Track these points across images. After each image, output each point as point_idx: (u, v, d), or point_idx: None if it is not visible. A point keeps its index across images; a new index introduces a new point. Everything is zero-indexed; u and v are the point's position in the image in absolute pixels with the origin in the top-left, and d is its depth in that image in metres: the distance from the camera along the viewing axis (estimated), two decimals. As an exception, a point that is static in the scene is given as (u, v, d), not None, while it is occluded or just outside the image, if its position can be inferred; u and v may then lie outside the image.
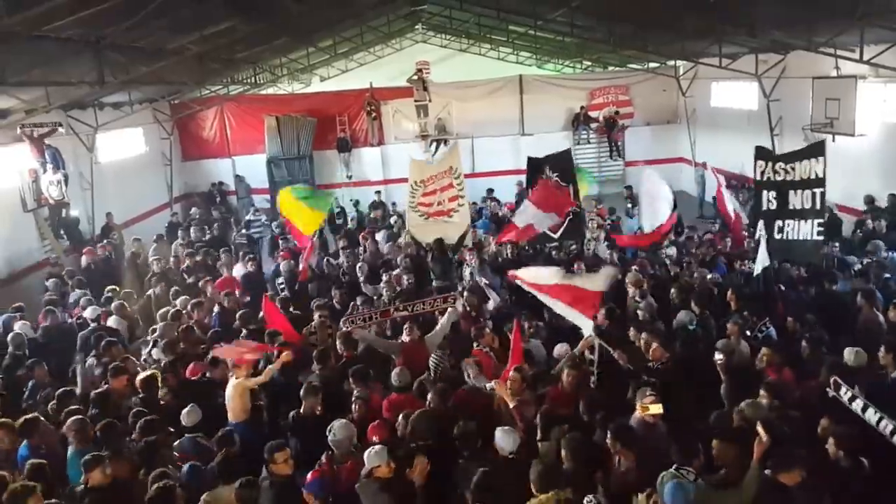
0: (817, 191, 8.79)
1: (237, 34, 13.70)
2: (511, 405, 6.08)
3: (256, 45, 17.08)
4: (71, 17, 8.98)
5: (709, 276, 10.29)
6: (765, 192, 9.38)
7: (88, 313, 10.57)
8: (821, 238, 9.04)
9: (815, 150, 8.88)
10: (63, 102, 13.87)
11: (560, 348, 7.76)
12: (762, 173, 9.36)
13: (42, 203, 14.66)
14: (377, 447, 5.44)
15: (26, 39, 9.33)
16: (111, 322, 10.30)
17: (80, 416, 6.65)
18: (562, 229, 11.19)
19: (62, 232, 15.54)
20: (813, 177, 8.79)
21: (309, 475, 5.57)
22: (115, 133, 18.43)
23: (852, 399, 5.55)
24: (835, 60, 13.61)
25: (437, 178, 11.95)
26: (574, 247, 12.24)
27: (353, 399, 6.73)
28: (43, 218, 15.01)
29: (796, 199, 9.02)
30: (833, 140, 14.25)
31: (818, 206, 8.85)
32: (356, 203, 19.82)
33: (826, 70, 14.44)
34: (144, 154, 21.04)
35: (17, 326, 9.99)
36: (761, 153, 9.51)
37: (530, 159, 11.59)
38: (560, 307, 7.32)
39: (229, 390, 7.14)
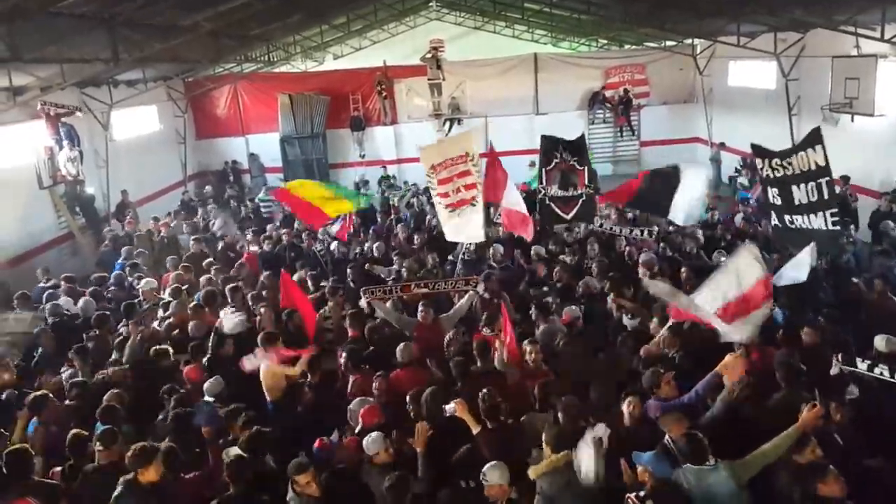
0: (822, 181, 8.11)
1: (251, 10, 13.64)
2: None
3: (270, 23, 17.01)
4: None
5: (723, 259, 10.23)
6: (769, 189, 8.89)
7: (143, 284, 10.58)
8: (837, 227, 8.37)
9: (812, 140, 8.19)
10: (78, 80, 13.90)
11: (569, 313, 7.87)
12: (762, 170, 8.90)
13: (58, 180, 14.75)
14: (374, 434, 5.53)
15: (41, 16, 9.34)
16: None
17: (117, 391, 6.82)
18: (574, 210, 11.08)
19: (77, 209, 15.65)
20: (813, 167, 8.15)
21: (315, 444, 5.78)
22: (129, 111, 18.47)
23: (872, 366, 5.61)
24: (855, 39, 13.39)
25: (450, 165, 10.40)
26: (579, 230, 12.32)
27: (374, 376, 6.85)
28: (59, 195, 15.12)
29: (801, 194, 8.38)
30: (852, 120, 14.12)
31: (826, 195, 8.17)
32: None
33: (846, 49, 14.22)
34: (159, 132, 21.10)
35: (62, 301, 10.12)
36: (758, 151, 8.95)
37: (544, 137, 11.41)
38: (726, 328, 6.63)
39: (264, 372, 7.12)
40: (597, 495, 4.88)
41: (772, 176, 8.71)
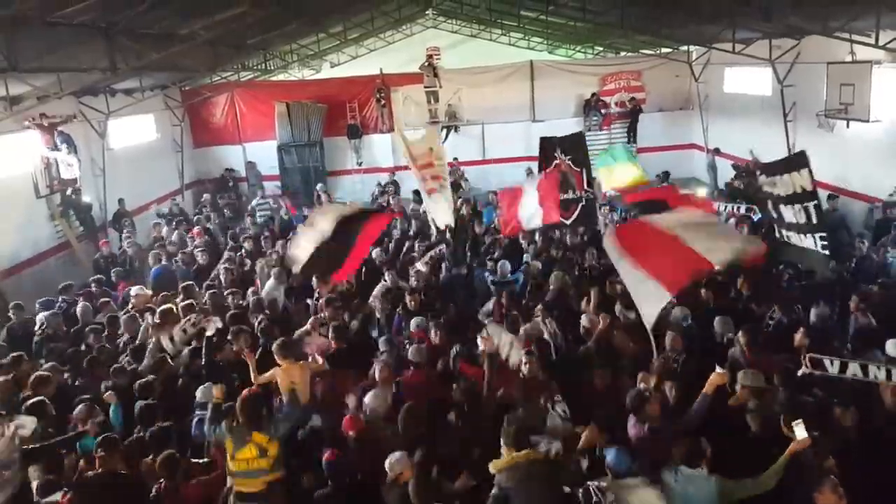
0: (809, 205, 7.80)
1: (248, 19, 13.65)
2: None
3: (267, 31, 17.03)
4: (82, 3, 8.98)
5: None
6: (767, 202, 8.67)
7: (135, 291, 10.70)
8: (826, 252, 8.04)
9: (797, 163, 7.90)
10: (75, 89, 13.90)
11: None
12: (763, 185, 8.61)
13: (55, 189, 14.74)
14: (397, 455, 5.49)
15: (38, 25, 9.36)
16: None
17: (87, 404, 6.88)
18: (574, 215, 10.95)
19: (73, 216, 15.62)
20: (799, 191, 7.86)
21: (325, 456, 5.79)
22: (126, 119, 18.45)
23: (843, 367, 5.62)
24: (850, 45, 13.45)
25: (421, 156, 11.55)
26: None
27: (377, 361, 7.18)
28: (56, 204, 15.09)
29: (789, 214, 8.16)
30: (848, 126, 14.17)
31: (814, 220, 7.85)
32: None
33: (841, 55, 14.28)
34: (156, 140, 21.10)
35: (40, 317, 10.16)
36: (762, 167, 8.58)
37: (543, 139, 11.34)
38: (637, 278, 6.72)
39: (292, 376, 7.13)
40: (553, 491, 5.00)
41: (766, 190, 8.50)
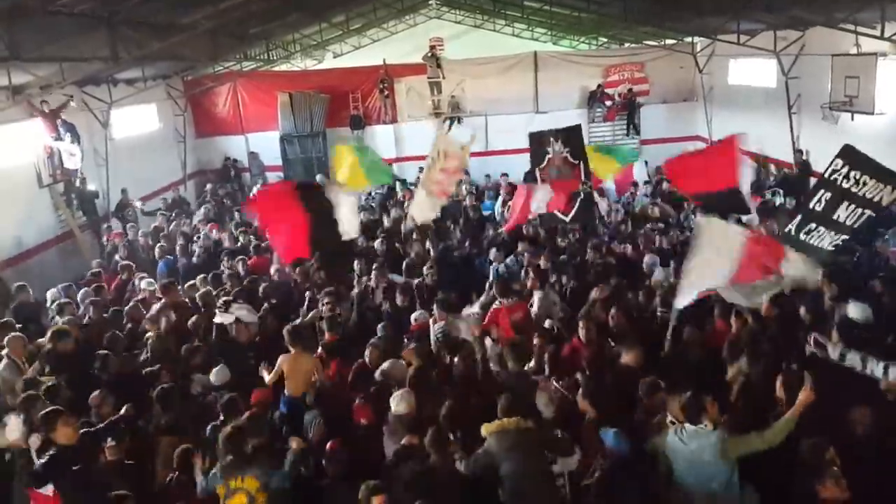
0: (869, 212, 7.65)
1: (250, 8, 13.64)
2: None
3: (269, 21, 17.00)
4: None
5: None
6: (822, 191, 7.96)
7: (144, 285, 10.60)
8: (832, 249, 7.92)
9: None
10: (77, 78, 13.89)
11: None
12: (834, 171, 7.80)
13: (58, 178, 14.73)
14: (402, 392, 6.02)
15: (39, 15, 9.34)
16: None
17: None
18: (574, 211, 10.85)
19: (76, 205, 15.60)
20: (876, 199, 7.54)
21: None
22: (129, 109, 18.43)
23: (843, 356, 5.59)
24: (855, 37, 13.39)
25: (452, 158, 10.94)
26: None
27: (369, 345, 7.38)
28: (59, 193, 15.09)
29: (842, 212, 7.74)
30: (852, 118, 14.12)
31: (857, 225, 7.68)
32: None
33: (846, 47, 14.20)
34: (158, 130, 21.06)
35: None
36: (848, 154, 7.74)
37: (532, 135, 11.07)
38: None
39: (300, 364, 7.12)
40: (536, 458, 5.19)
41: (838, 182, 7.80)
